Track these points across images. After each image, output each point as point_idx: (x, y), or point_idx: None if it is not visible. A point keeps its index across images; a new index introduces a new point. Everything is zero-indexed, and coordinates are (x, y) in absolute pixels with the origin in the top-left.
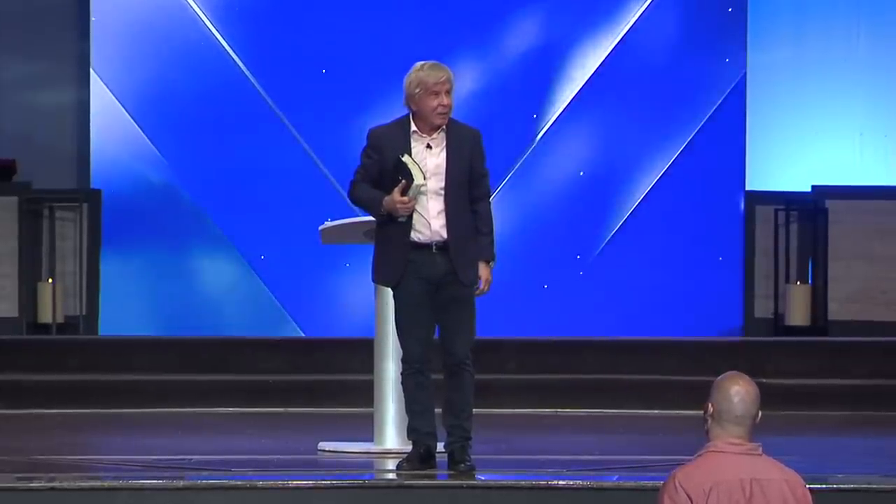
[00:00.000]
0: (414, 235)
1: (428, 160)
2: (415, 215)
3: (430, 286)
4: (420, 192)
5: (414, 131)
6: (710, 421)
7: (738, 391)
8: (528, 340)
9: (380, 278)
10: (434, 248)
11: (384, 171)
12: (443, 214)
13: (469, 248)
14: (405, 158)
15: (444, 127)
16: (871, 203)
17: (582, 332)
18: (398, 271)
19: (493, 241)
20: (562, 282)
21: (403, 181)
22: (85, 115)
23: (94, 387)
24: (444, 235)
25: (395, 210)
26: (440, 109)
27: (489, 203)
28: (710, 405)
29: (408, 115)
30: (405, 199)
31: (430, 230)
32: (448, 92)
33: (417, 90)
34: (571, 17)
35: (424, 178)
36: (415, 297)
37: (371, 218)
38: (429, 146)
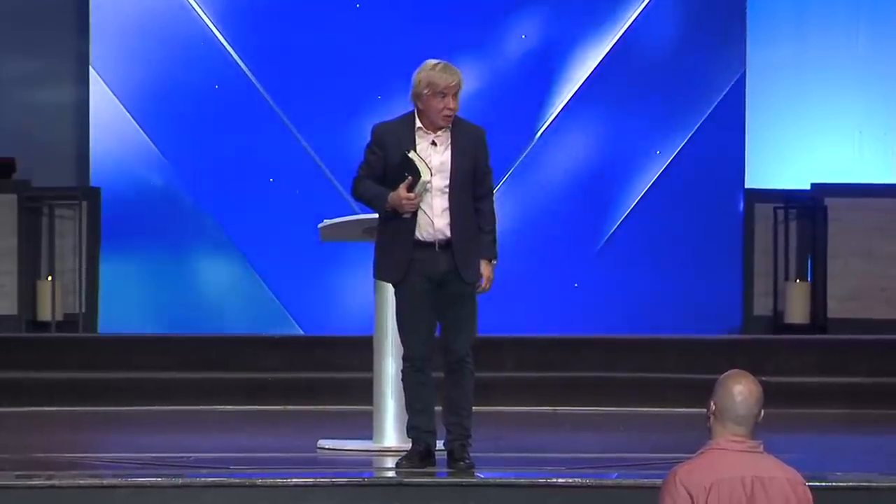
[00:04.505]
0: (417, 233)
1: (433, 157)
2: (418, 212)
3: (433, 284)
4: (425, 189)
5: (419, 128)
6: (712, 419)
7: (741, 391)
8: (527, 338)
9: (382, 275)
10: (437, 246)
11: (389, 167)
12: (447, 212)
13: (472, 246)
14: (412, 155)
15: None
16: (870, 201)
17: (581, 330)
18: (401, 268)
19: (495, 239)
20: (561, 279)
21: (410, 178)
22: (84, 112)
23: (93, 384)
24: (448, 233)
25: (400, 206)
26: (446, 112)
27: (492, 201)
28: (712, 403)
29: (413, 112)
30: (411, 195)
31: (434, 228)
32: (456, 95)
33: (426, 90)
34: (572, 14)
35: (431, 175)
36: (417, 294)
37: (370, 215)
38: (434, 143)
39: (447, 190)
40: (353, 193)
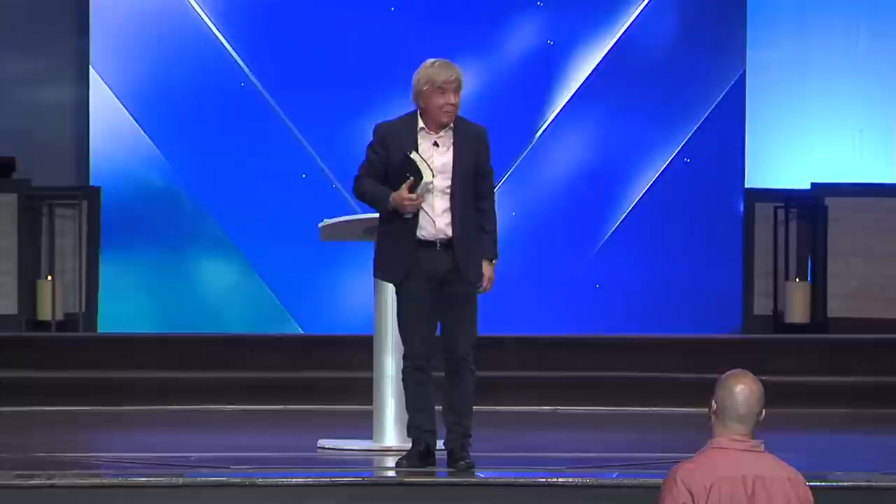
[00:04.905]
0: (418, 232)
1: (435, 158)
2: (420, 212)
3: (434, 283)
4: (427, 190)
5: (421, 128)
6: (713, 418)
7: (742, 389)
8: (528, 337)
9: (384, 275)
10: (438, 245)
11: (391, 166)
12: (448, 213)
13: (473, 246)
14: (414, 155)
15: (451, 125)
16: (870, 200)
17: (581, 329)
18: (403, 268)
19: (496, 239)
20: (561, 279)
21: (412, 178)
22: (84, 112)
23: (93, 384)
24: (449, 233)
25: (402, 207)
26: (447, 108)
27: (493, 201)
28: (713, 402)
29: (415, 112)
30: (413, 196)
31: (435, 228)
32: (456, 91)
33: (426, 87)
34: (571, 14)
35: (433, 176)
36: (418, 294)
37: (370, 215)
38: (436, 144)
39: (449, 190)
40: (354, 192)
